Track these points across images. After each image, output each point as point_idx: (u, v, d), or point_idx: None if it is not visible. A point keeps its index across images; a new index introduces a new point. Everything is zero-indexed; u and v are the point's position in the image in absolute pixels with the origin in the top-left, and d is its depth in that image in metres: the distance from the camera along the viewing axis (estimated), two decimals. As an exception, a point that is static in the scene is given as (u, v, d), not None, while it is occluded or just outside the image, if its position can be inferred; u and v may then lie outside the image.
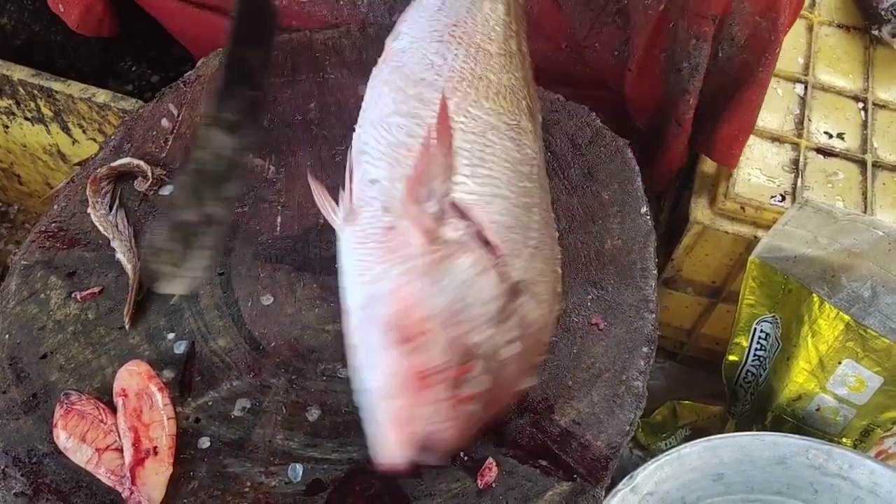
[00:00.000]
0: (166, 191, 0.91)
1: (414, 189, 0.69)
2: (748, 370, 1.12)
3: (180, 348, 0.81)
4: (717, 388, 1.21)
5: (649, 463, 0.90)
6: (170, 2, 1.17)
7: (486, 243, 0.69)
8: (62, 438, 0.74)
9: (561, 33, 1.06)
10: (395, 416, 0.65)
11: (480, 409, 0.66)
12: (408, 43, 0.82)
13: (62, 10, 1.19)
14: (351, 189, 0.75)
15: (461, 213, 0.70)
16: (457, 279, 0.66)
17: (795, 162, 1.13)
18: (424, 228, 0.68)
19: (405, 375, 0.64)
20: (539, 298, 0.70)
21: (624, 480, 0.88)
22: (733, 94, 1.03)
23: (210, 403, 0.78)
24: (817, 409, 1.04)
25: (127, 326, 0.81)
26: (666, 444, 1.26)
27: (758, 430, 1.08)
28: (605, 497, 0.78)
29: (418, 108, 0.76)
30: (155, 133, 0.96)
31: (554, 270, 0.75)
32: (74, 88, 1.18)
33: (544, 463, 0.75)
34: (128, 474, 0.71)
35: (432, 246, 0.67)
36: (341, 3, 1.11)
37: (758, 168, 1.12)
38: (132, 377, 0.77)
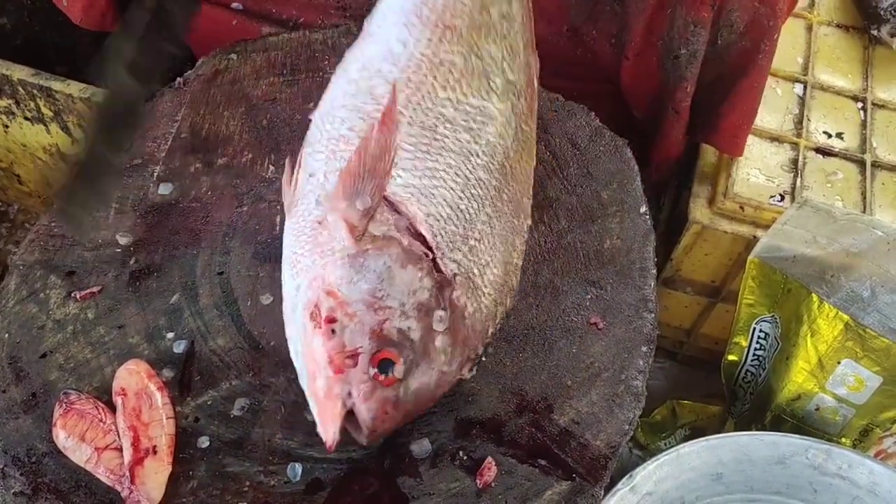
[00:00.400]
0: (165, 189, 0.91)
1: (346, 184, 0.70)
2: (747, 370, 1.12)
3: (179, 347, 0.81)
4: (717, 387, 1.21)
5: (648, 462, 0.90)
6: None
7: (419, 236, 0.70)
8: (61, 438, 0.74)
9: (562, 17, 1.05)
10: (318, 396, 0.68)
11: (405, 395, 0.68)
12: (375, 27, 0.80)
13: (65, 4, 1.19)
14: (296, 181, 0.75)
15: (393, 207, 0.71)
16: (377, 271, 0.68)
17: (794, 161, 1.13)
18: (350, 224, 0.69)
19: (324, 356, 0.68)
20: (479, 291, 0.71)
21: (623, 480, 0.88)
22: (734, 83, 1.03)
23: (209, 403, 0.78)
24: (816, 409, 1.04)
25: None
26: (665, 444, 1.26)
27: (757, 430, 1.08)
28: (604, 496, 0.78)
29: (365, 102, 0.75)
30: (154, 132, 0.96)
31: (506, 262, 0.74)
32: (74, 88, 1.18)
33: (543, 462, 0.75)
34: (127, 473, 0.71)
35: (356, 242, 0.69)
36: None
37: (757, 168, 1.12)
38: (131, 376, 0.77)
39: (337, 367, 0.67)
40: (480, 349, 0.73)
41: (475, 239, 0.72)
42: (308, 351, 0.69)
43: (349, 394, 0.67)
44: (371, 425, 0.68)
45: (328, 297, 0.68)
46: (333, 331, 0.67)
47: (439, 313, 0.69)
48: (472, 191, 0.73)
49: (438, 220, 0.71)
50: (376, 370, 0.67)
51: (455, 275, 0.70)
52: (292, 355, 0.72)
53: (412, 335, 0.68)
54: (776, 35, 0.98)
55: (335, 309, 0.68)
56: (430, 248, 0.71)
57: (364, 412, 0.67)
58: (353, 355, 0.67)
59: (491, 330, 0.74)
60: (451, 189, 0.72)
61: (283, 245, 0.75)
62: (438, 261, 0.70)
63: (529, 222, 0.78)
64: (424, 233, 0.71)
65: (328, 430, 0.67)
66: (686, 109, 1.05)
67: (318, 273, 0.70)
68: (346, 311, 0.68)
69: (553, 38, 1.07)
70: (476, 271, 0.71)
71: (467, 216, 0.72)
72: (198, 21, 1.19)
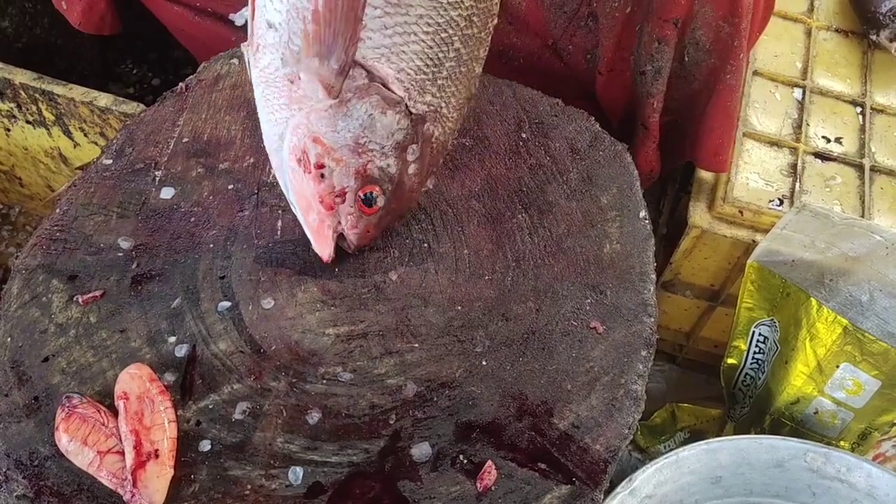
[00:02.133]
0: (167, 194, 0.92)
1: (314, 46, 0.70)
2: (746, 373, 1.12)
3: (181, 352, 0.81)
4: (716, 391, 1.21)
5: (648, 466, 0.90)
6: (171, 6, 1.18)
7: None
8: (64, 441, 0.74)
9: (547, 31, 1.07)
10: (312, 226, 0.80)
11: (384, 216, 0.81)
12: None
13: (65, 7, 1.19)
14: (252, 27, 0.74)
15: (365, 70, 0.73)
16: (360, 120, 0.74)
17: (793, 166, 1.14)
18: (326, 84, 0.72)
19: (316, 196, 0.77)
20: (445, 119, 0.77)
21: (623, 483, 0.89)
22: (707, 101, 1.03)
23: (211, 406, 0.78)
24: (815, 413, 1.04)
25: None
26: (665, 447, 1.26)
27: (756, 433, 1.09)
28: (603, 500, 0.79)
29: None
30: (157, 137, 0.97)
31: (470, 78, 0.78)
32: (76, 92, 1.19)
33: (543, 466, 0.75)
34: (129, 477, 0.72)
35: (333, 98, 0.73)
36: None
37: (756, 172, 1.12)
38: (133, 380, 0.77)
39: (328, 206, 0.78)
40: (441, 160, 0.81)
41: (444, 78, 0.75)
42: (299, 190, 0.78)
43: (339, 222, 0.79)
44: (357, 244, 0.82)
45: (314, 144, 0.75)
46: (322, 175, 0.76)
47: (412, 147, 0.77)
48: (443, 34, 0.73)
49: (409, 74, 0.74)
50: (361, 203, 0.78)
51: (426, 112, 0.76)
52: (282, 187, 0.81)
53: (390, 170, 0.77)
54: (742, 55, 0.99)
55: (322, 155, 0.75)
56: (400, 99, 0.75)
57: (352, 236, 0.81)
58: (342, 194, 0.77)
59: (451, 143, 0.80)
60: (422, 41, 0.73)
61: (254, 88, 0.77)
62: (410, 107, 0.75)
63: (496, 11, 0.78)
64: (396, 90, 0.74)
65: (323, 251, 0.81)
66: (655, 126, 1.06)
67: (300, 122, 0.75)
68: (333, 157, 0.75)
69: (539, 52, 1.09)
70: (444, 104, 0.76)
71: (437, 60, 0.74)
72: (195, 33, 1.19)
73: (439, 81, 0.75)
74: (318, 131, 0.74)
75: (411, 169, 0.78)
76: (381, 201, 0.78)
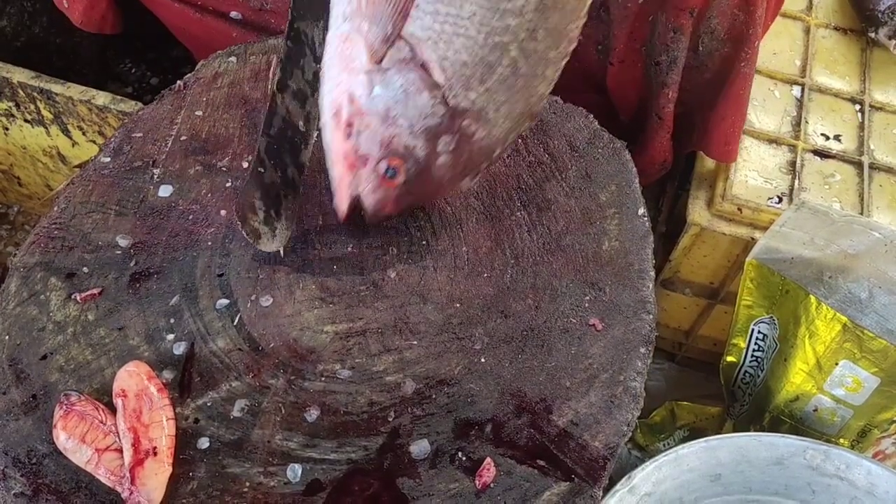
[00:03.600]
0: (165, 192, 0.92)
1: (367, 7, 0.72)
2: (746, 371, 1.12)
3: (179, 349, 0.81)
4: (715, 389, 1.21)
5: (647, 463, 0.90)
6: (172, 4, 1.18)
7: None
8: (62, 439, 0.74)
9: None
10: (334, 179, 0.81)
11: (404, 194, 0.80)
12: None
13: (66, 6, 1.19)
14: None
15: (410, 47, 0.73)
16: (393, 91, 0.74)
17: (792, 164, 1.13)
18: (370, 48, 0.73)
19: (342, 152, 0.79)
20: (492, 123, 0.76)
21: (622, 481, 0.89)
22: (720, 91, 1.03)
23: (209, 404, 0.78)
24: (815, 410, 1.04)
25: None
26: (664, 445, 1.26)
27: (756, 431, 1.08)
28: (602, 497, 0.79)
29: None
30: (155, 135, 0.97)
31: (529, 95, 0.76)
32: (74, 91, 1.19)
33: (542, 463, 0.75)
34: (127, 475, 0.72)
35: (374, 64, 0.74)
36: None
37: (755, 170, 1.12)
38: (132, 378, 0.77)
39: (350, 165, 0.79)
40: (485, 165, 0.80)
41: (495, 82, 0.73)
42: (329, 142, 0.80)
43: (358, 185, 0.79)
44: (372, 212, 0.81)
45: (349, 103, 0.76)
46: (349, 134, 0.77)
47: (446, 138, 0.75)
48: (496, 38, 0.72)
49: (453, 65, 0.73)
50: (383, 173, 0.78)
51: (467, 109, 0.74)
52: (324, 137, 0.81)
53: (417, 152, 0.76)
54: (756, 43, 0.99)
55: (353, 115, 0.76)
56: (441, 84, 0.74)
57: (368, 202, 0.80)
58: (364, 158, 0.78)
59: (499, 151, 0.79)
60: (472, 37, 0.72)
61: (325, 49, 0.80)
62: (449, 97, 0.74)
63: (576, 35, 0.77)
64: (436, 76, 0.73)
65: (340, 207, 0.82)
66: (669, 116, 1.05)
67: (342, 79, 0.76)
68: (363, 120, 0.76)
69: None
70: (491, 108, 0.75)
71: (487, 61, 0.73)
72: (196, 31, 1.19)
73: (488, 84, 0.73)
74: (354, 91, 0.76)
75: (442, 160, 0.77)
76: (400, 178, 0.78)
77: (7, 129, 1.31)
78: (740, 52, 0.99)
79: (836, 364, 0.99)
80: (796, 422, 1.06)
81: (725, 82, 1.02)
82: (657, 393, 1.34)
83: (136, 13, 1.24)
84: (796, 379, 1.02)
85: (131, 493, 0.71)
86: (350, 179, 0.80)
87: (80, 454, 0.74)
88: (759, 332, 1.08)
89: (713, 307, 1.24)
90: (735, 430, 1.17)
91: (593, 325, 0.83)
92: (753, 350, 1.10)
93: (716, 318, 1.25)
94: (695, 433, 1.23)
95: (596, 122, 0.99)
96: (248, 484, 0.74)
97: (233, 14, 1.16)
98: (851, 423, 1.03)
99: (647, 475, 0.91)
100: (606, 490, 0.80)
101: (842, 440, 1.05)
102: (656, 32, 0.99)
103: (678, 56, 1.00)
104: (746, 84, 1.02)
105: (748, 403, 1.14)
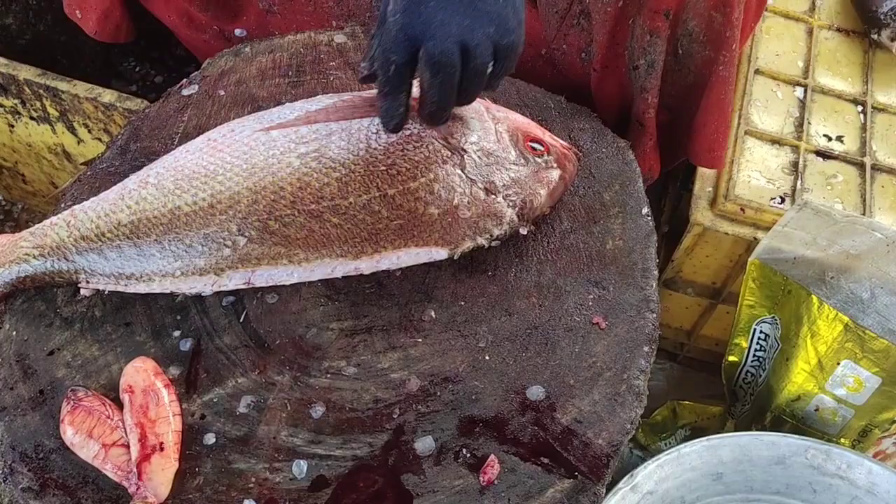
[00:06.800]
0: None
1: None
2: (748, 371, 1.13)
3: (186, 345, 0.81)
4: (717, 388, 1.22)
5: (649, 462, 0.90)
6: (175, 18, 1.18)
7: None
8: (69, 434, 0.75)
9: (541, 41, 1.07)
10: None
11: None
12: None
13: (79, 16, 1.19)
14: None
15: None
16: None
17: (795, 164, 1.14)
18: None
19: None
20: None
21: (624, 479, 0.89)
22: (701, 95, 1.03)
23: (215, 400, 0.79)
24: (816, 410, 1.04)
25: None
26: (666, 444, 1.27)
27: (757, 431, 1.09)
28: (605, 495, 0.79)
29: None
30: (161, 133, 0.97)
31: None
32: (80, 88, 1.19)
33: (546, 460, 0.76)
34: (134, 470, 0.72)
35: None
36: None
37: (757, 170, 1.13)
38: (138, 374, 0.77)
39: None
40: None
41: None
42: None
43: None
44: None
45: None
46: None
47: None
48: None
49: None
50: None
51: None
52: None
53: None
54: (734, 45, 0.98)
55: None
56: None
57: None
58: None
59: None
60: None
61: None
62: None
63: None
64: None
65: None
66: (651, 122, 1.05)
67: None
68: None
69: (531, 61, 1.08)
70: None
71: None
72: (198, 43, 1.19)
73: None
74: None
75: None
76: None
77: (13, 126, 1.32)
78: (719, 54, 0.98)
79: (838, 364, 0.99)
80: (798, 421, 1.06)
81: (706, 86, 1.02)
82: (659, 392, 1.34)
83: (138, 11, 1.24)
84: (798, 379, 1.03)
85: (138, 488, 0.72)
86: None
87: (87, 449, 0.74)
88: (761, 331, 1.08)
89: (715, 307, 1.25)
90: (736, 430, 1.17)
91: (597, 323, 0.84)
92: (755, 350, 1.10)
93: (717, 318, 1.26)
94: (696, 432, 1.24)
95: (600, 121, 1.00)
96: (253, 480, 0.74)
97: (237, 31, 1.15)
98: (852, 422, 1.04)
99: (649, 474, 0.91)
100: (608, 488, 0.80)
101: (843, 440, 1.06)
102: (634, 36, 0.99)
103: (656, 59, 0.99)
104: (727, 88, 1.01)
105: (750, 403, 1.14)
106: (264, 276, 0.82)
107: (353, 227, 0.82)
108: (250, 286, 0.82)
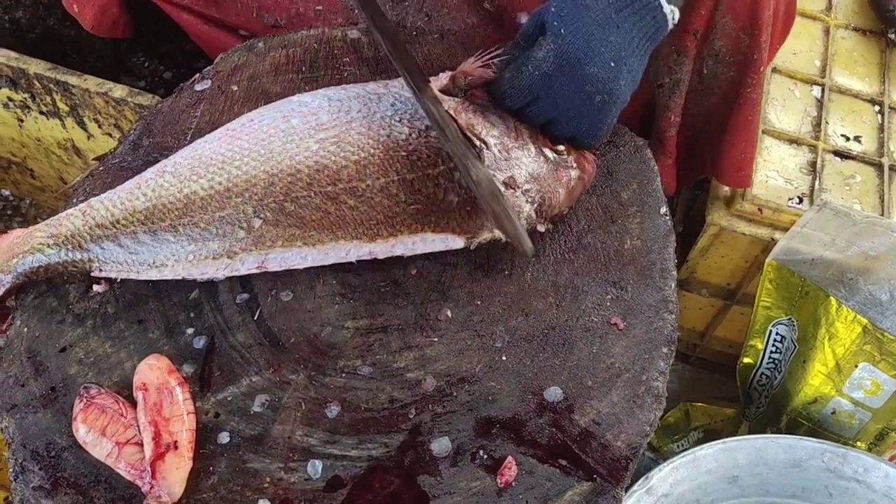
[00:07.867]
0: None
1: None
2: (763, 373, 1.12)
3: (200, 343, 0.81)
4: (730, 390, 1.21)
5: (665, 464, 0.90)
6: (184, 14, 1.17)
7: None
8: (82, 432, 0.74)
9: None
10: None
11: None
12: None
13: (76, 10, 1.18)
14: None
15: None
16: None
17: (813, 164, 1.13)
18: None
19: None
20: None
21: (640, 482, 0.88)
22: (728, 116, 1.02)
23: (230, 399, 0.78)
24: (833, 413, 1.04)
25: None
26: (678, 447, 1.26)
27: (773, 433, 1.08)
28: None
29: None
30: (174, 129, 0.96)
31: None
32: (91, 83, 1.18)
33: (564, 462, 0.75)
34: (148, 468, 0.71)
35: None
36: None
37: (775, 170, 1.12)
38: (152, 371, 0.76)
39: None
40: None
41: None
42: None
43: None
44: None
45: None
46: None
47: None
48: None
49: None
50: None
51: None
52: None
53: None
54: (762, 67, 0.97)
55: None
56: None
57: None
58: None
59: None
60: None
61: None
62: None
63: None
64: None
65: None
66: (672, 141, 1.04)
67: None
68: None
69: None
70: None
71: None
72: (206, 38, 1.18)
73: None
74: None
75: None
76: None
77: (22, 121, 1.31)
78: (745, 77, 0.98)
79: (856, 366, 0.98)
80: (814, 424, 1.06)
81: (733, 107, 1.01)
82: (671, 394, 1.33)
83: (149, 7, 1.23)
84: (815, 381, 1.02)
85: (152, 487, 0.71)
86: None
87: (100, 448, 0.73)
88: (777, 333, 1.08)
89: (729, 308, 1.24)
90: (751, 432, 1.16)
91: (615, 324, 0.83)
92: (771, 352, 1.10)
93: (731, 319, 1.25)
94: (709, 435, 1.23)
95: (617, 120, 0.98)
96: (268, 479, 0.73)
97: (242, 32, 1.14)
98: (869, 425, 1.03)
99: (664, 476, 0.91)
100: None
101: (859, 443, 1.05)
102: (660, 54, 0.98)
103: (681, 79, 0.99)
104: (755, 110, 1.01)
105: (765, 405, 1.13)
106: (277, 260, 0.81)
107: (370, 210, 0.81)
108: (263, 270, 0.81)
